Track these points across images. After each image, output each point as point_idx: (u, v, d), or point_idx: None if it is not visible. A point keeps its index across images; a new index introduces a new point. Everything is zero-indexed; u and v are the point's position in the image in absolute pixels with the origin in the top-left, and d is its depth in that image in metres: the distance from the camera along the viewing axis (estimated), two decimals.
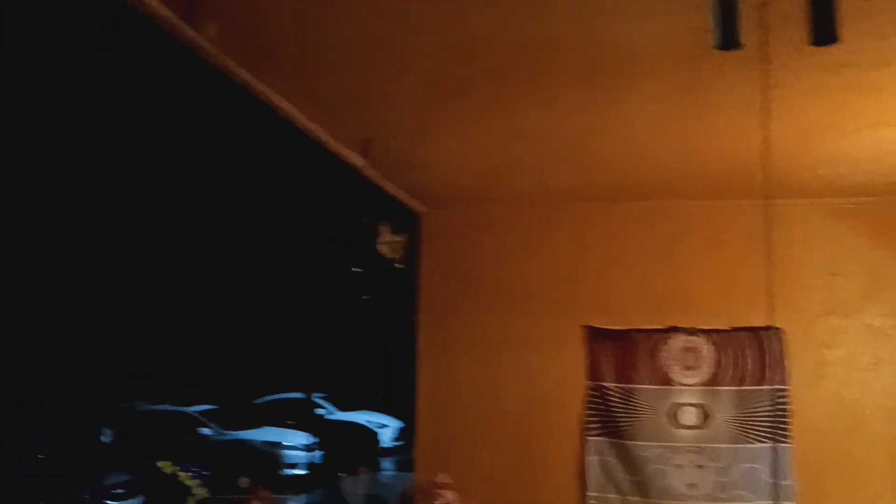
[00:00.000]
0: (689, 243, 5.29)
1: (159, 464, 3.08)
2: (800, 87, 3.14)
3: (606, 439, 5.24)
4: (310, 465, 18.83)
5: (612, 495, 5.20)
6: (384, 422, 21.95)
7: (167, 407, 20.03)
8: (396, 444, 21.88)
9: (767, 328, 5.15)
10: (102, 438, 17.68)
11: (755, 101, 3.40)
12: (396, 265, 4.44)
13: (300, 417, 20.18)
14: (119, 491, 13.00)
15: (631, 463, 5.19)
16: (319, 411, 21.74)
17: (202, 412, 19.21)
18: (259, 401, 22.39)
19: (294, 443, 18.90)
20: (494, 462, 5.36)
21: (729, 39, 2.04)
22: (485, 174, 4.72)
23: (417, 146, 4.17)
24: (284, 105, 3.54)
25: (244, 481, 3.31)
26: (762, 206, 5.15)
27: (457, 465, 5.20)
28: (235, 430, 18.90)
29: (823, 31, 1.95)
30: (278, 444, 18.78)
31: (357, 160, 4.36)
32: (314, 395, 21.32)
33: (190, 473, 3.12)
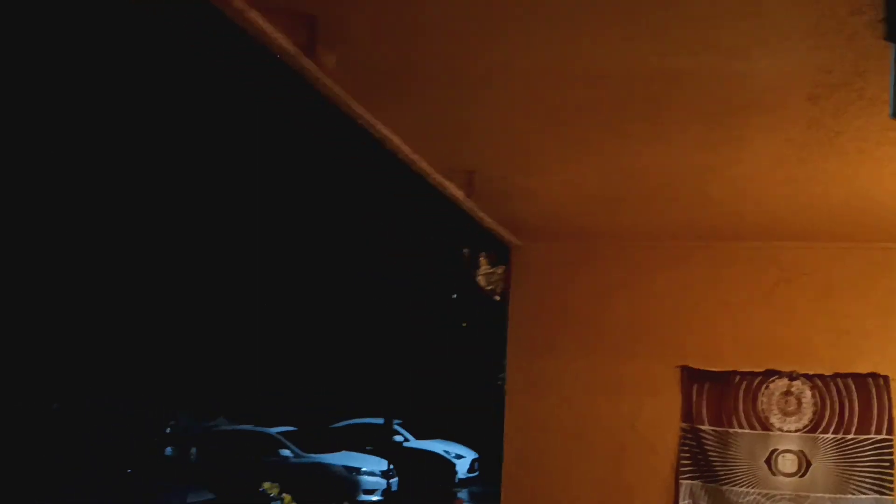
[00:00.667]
0: (793, 285, 5.15)
1: (265, 485, 3.06)
2: None
3: (701, 483, 5.11)
4: (386, 492, 18.87)
5: None
6: (460, 452, 21.87)
7: (249, 427, 20.36)
8: (470, 475, 21.77)
9: (873, 375, 4.98)
10: (190, 458, 18.06)
11: (872, 143, 3.33)
12: (495, 297, 4.45)
13: (377, 443, 20.29)
14: None
15: None
16: (397, 438, 21.80)
17: (282, 433, 19.49)
18: (337, 425, 22.57)
19: (371, 468, 18.98)
20: None
21: None
22: (585, 208, 4.70)
23: (519, 177, 4.17)
24: (390, 135, 3.59)
25: None
26: (869, 250, 5.03)
27: None
28: (314, 452, 19.09)
29: None
30: (356, 469, 18.87)
31: (457, 191, 4.39)
32: (393, 421, 21.41)
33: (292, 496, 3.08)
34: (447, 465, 20.68)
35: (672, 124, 3.29)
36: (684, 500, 5.13)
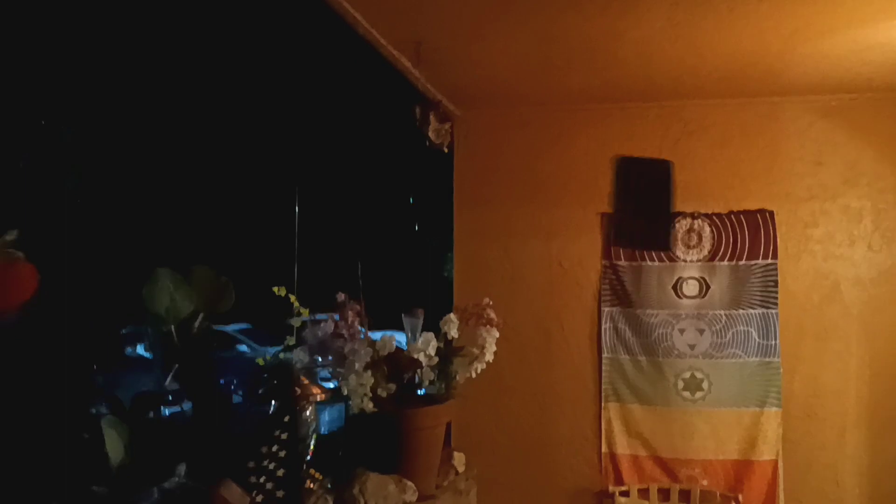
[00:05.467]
0: (694, 137, 5.99)
1: (274, 288, 3.59)
2: None
3: (619, 308, 6.05)
4: None
5: (623, 356, 6.04)
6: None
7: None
8: None
9: (761, 211, 5.91)
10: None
11: (749, 5, 4.08)
12: (444, 150, 5.15)
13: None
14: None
15: (640, 329, 6.01)
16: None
17: (239, 330, 20.14)
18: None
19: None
20: (520, 332, 6.15)
21: None
22: (516, 76, 5.38)
23: (461, 47, 4.83)
24: (352, 10, 4.27)
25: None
26: (757, 104, 5.86)
27: None
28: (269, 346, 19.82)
29: None
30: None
31: (406, 63, 5.08)
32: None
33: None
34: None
35: None
36: (606, 322, 6.08)
